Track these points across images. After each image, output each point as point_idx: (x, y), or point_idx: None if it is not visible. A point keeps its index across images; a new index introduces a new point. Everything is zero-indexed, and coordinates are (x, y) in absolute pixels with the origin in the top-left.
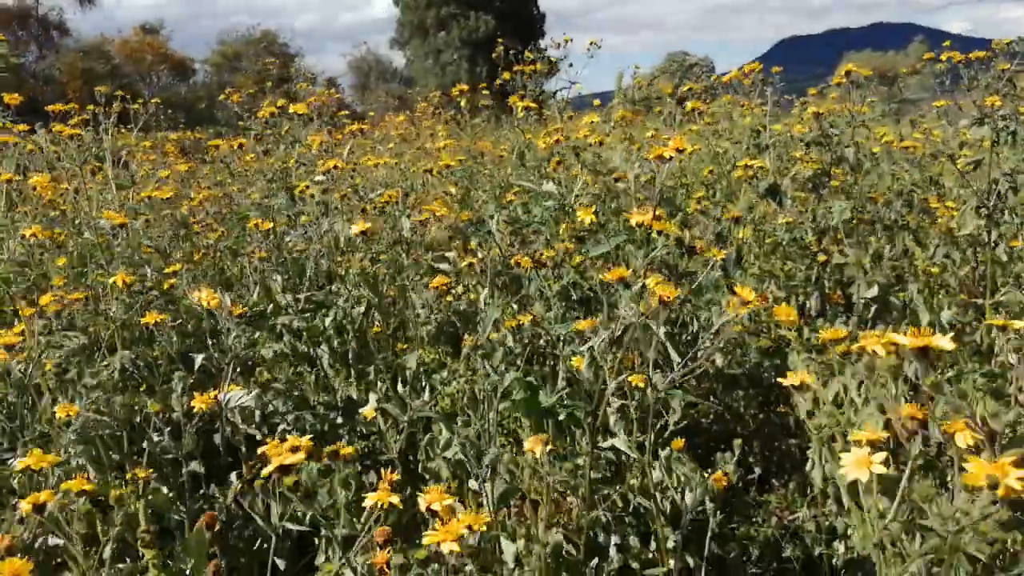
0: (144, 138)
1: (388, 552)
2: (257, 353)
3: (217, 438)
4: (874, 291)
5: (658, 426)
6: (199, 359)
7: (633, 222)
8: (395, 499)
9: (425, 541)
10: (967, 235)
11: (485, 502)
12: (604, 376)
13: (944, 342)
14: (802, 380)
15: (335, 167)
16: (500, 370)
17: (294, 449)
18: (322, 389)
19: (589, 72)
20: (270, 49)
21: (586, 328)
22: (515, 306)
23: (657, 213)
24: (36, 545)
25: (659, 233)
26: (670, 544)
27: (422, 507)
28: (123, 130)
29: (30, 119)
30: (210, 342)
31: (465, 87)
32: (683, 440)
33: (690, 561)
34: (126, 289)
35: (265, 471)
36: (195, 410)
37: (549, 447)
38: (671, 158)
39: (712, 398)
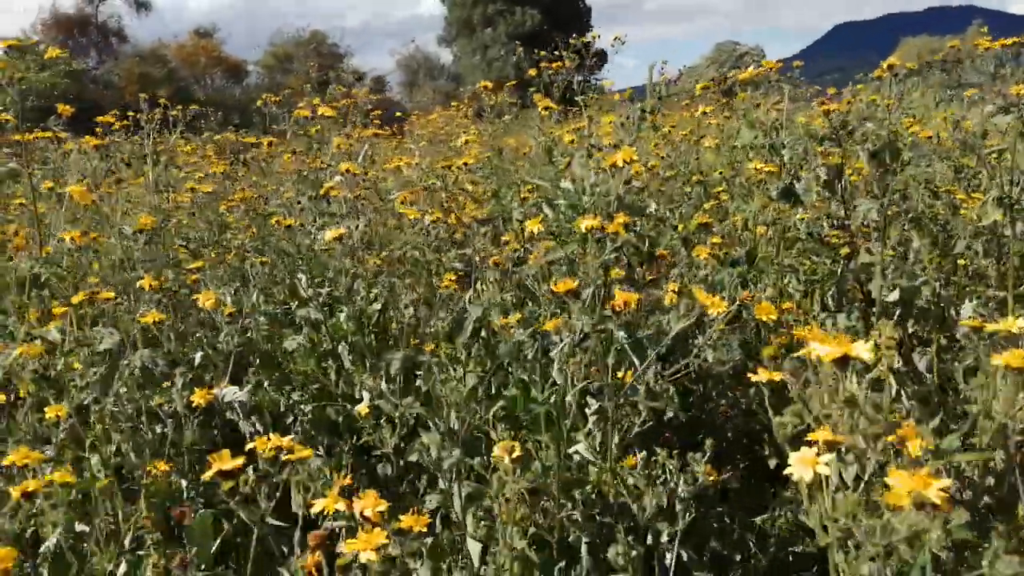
0: (189, 141)
1: (318, 556)
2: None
3: (242, 426)
4: (895, 295)
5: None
6: (198, 357)
7: (583, 227)
8: (341, 505)
9: (344, 549)
10: (988, 225)
11: (455, 503)
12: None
13: (862, 351)
14: (769, 377)
15: (347, 171)
16: (460, 375)
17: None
18: (344, 382)
19: (636, 63)
20: (319, 49)
21: (551, 330)
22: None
23: (621, 219)
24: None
25: (613, 236)
26: (663, 539)
27: (356, 512)
28: (170, 133)
29: (93, 125)
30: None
31: (489, 84)
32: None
33: (683, 555)
34: (154, 290)
35: (206, 475)
36: (194, 405)
37: (516, 454)
38: (624, 167)
39: (729, 393)
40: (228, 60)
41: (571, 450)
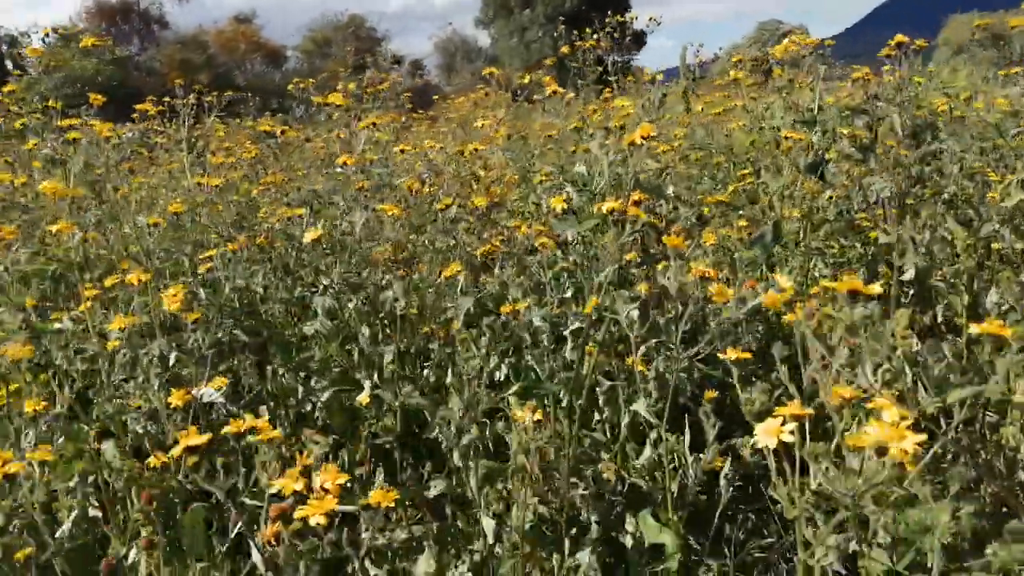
0: (228, 126)
1: (278, 526)
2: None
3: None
4: (911, 274)
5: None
6: (172, 356)
7: (605, 208)
8: (300, 484)
9: (297, 515)
10: (1016, 207)
11: (471, 480)
12: (587, 358)
13: (873, 288)
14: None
15: (345, 164)
16: (483, 354)
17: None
18: (366, 366)
19: (673, 44)
20: (357, 33)
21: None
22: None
23: (636, 198)
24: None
25: (633, 219)
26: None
27: (315, 485)
28: (207, 118)
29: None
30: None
31: (494, 70)
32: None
33: (692, 541)
34: (144, 283)
35: (174, 451)
36: (171, 406)
37: (538, 416)
38: (642, 144)
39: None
40: (267, 45)
41: (631, 407)
